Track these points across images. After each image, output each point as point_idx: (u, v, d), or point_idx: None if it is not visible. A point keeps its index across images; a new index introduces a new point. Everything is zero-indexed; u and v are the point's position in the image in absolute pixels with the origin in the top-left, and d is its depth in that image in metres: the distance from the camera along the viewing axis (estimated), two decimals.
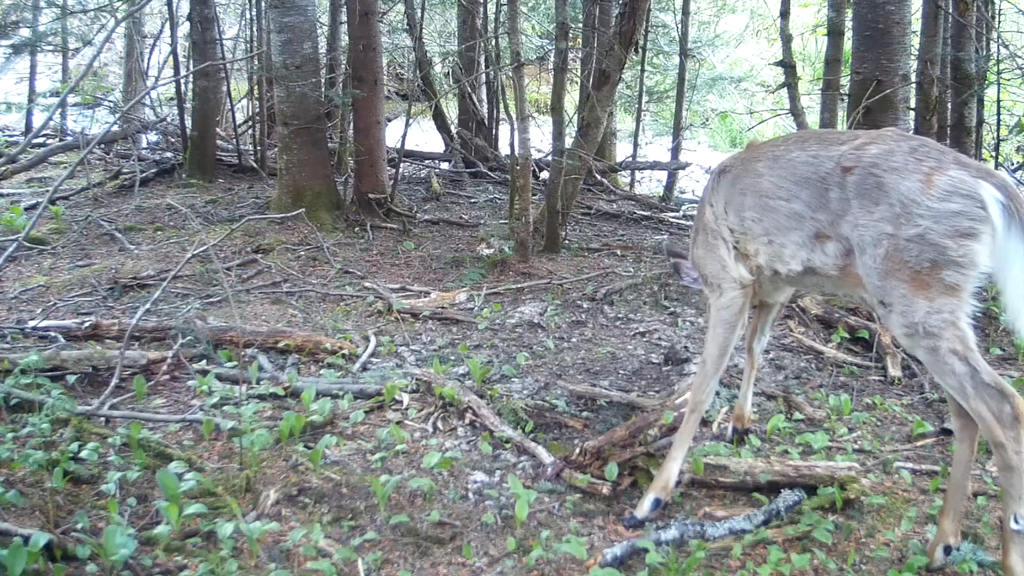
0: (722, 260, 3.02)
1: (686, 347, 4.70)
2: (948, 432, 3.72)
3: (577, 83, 8.40)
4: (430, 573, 2.69)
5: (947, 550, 2.68)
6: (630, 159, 10.03)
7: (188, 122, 9.23)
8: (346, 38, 8.37)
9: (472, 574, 2.69)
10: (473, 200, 8.85)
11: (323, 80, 7.98)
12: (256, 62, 9.22)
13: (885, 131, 2.76)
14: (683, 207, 8.95)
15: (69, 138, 9.83)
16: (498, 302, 5.53)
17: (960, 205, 2.32)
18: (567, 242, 6.95)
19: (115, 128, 9.48)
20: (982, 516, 3.01)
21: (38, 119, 10.28)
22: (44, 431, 3.20)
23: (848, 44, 6.23)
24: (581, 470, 3.20)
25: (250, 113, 10.31)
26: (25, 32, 9.30)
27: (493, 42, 8.68)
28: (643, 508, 2.96)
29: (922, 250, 2.35)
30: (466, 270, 6.24)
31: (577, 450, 3.26)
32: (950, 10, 6.12)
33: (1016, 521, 2.36)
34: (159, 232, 6.79)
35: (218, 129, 9.42)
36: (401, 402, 3.87)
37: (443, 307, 5.38)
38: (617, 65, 6.22)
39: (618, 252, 6.96)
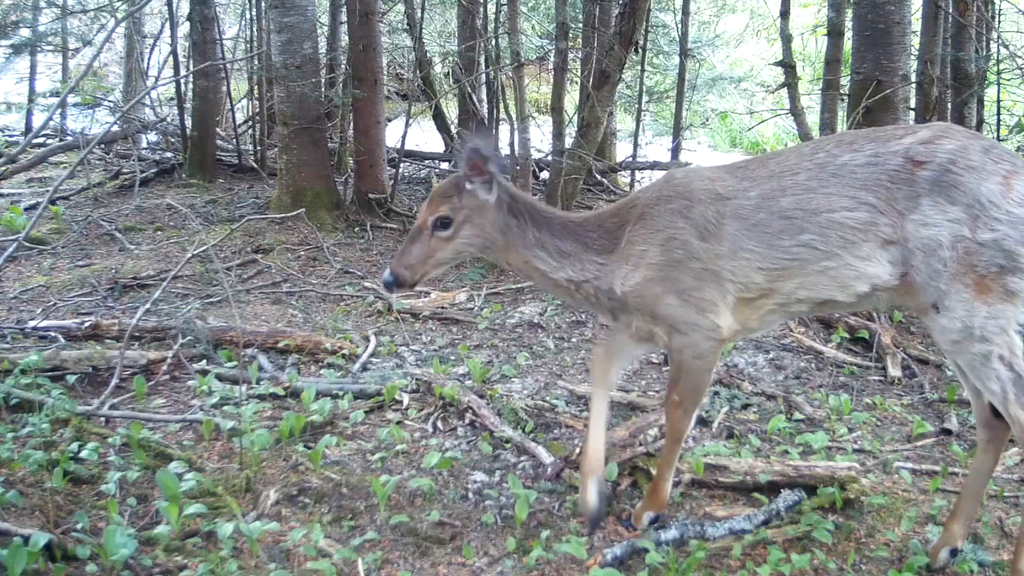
0: (707, 305, 2.60)
1: None
2: (948, 432, 3.73)
3: (577, 83, 8.39)
4: (430, 573, 2.69)
5: (953, 552, 2.68)
6: (630, 159, 10.02)
7: (188, 122, 9.22)
8: (346, 38, 8.37)
9: (472, 574, 2.69)
10: None
11: (323, 80, 7.97)
12: (256, 62, 9.20)
13: (948, 125, 2.61)
14: None
15: (69, 138, 9.81)
16: (498, 302, 5.52)
17: None
18: None
19: (115, 128, 9.47)
20: (982, 516, 3.01)
21: (38, 119, 10.28)
22: (44, 431, 3.21)
23: (848, 44, 6.23)
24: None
25: (250, 113, 10.30)
26: (25, 32, 9.29)
27: (493, 42, 8.68)
28: (642, 523, 2.92)
29: (993, 255, 2.31)
30: (466, 270, 6.23)
31: (577, 450, 3.26)
32: (950, 10, 6.11)
33: None
34: (159, 232, 6.79)
35: (218, 129, 9.41)
36: (401, 402, 3.87)
37: (443, 307, 5.38)
38: (617, 65, 6.21)
39: None
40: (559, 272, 2.79)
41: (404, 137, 7.92)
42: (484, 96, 10.48)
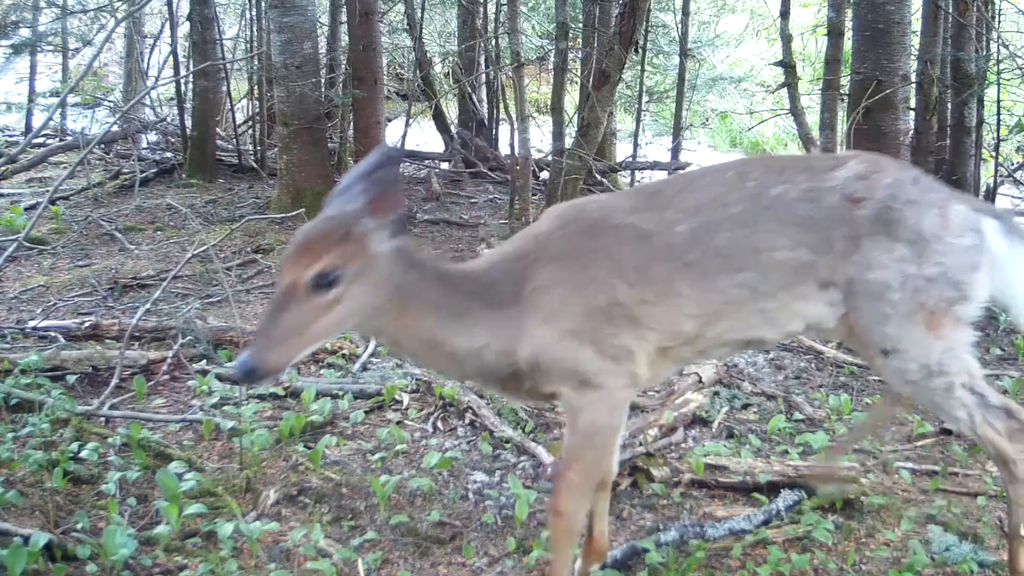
0: (620, 352, 2.23)
1: None
2: (948, 432, 3.72)
3: (577, 83, 8.39)
4: (430, 573, 2.69)
5: None
6: (630, 159, 10.02)
7: (188, 122, 9.22)
8: (346, 38, 8.37)
9: (472, 574, 2.70)
10: (473, 200, 8.85)
11: (323, 80, 7.98)
12: (256, 62, 9.21)
13: (875, 156, 2.44)
14: None
15: (69, 138, 9.81)
16: None
17: (971, 239, 2.25)
18: None
19: (115, 128, 9.46)
20: (982, 516, 3.01)
21: (38, 119, 10.26)
22: (44, 431, 3.21)
23: (848, 44, 6.22)
24: None
25: (250, 113, 10.30)
26: (25, 32, 9.29)
27: (493, 42, 8.68)
28: None
29: (942, 289, 2.22)
30: None
31: None
32: (950, 10, 6.11)
33: None
34: (159, 232, 6.79)
35: (218, 129, 9.41)
36: (401, 402, 3.87)
37: None
38: (617, 65, 6.21)
39: None
40: (458, 338, 2.24)
41: (404, 137, 7.92)
42: (484, 96, 10.49)
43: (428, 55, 10.39)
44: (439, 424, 3.70)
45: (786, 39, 6.88)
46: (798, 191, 2.26)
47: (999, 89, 6.47)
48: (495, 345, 2.24)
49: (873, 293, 2.23)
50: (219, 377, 3.98)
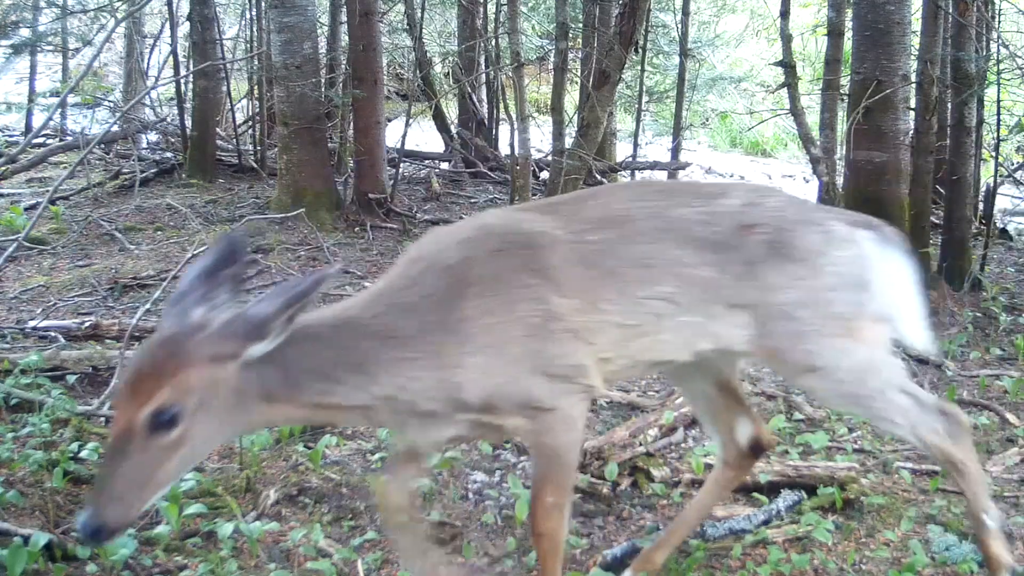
0: (570, 370, 2.13)
1: None
2: None
3: (577, 83, 8.40)
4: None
5: None
6: (630, 159, 10.02)
7: (188, 122, 9.22)
8: (346, 38, 8.37)
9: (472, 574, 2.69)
10: (473, 200, 8.85)
11: (323, 80, 7.98)
12: (256, 62, 9.22)
13: (756, 185, 2.61)
14: None
15: (69, 138, 9.81)
16: None
17: (853, 250, 2.29)
18: None
19: (115, 128, 9.46)
20: None
21: (38, 119, 10.26)
22: (44, 431, 3.20)
23: (848, 44, 6.23)
24: (581, 470, 3.19)
25: (250, 113, 10.31)
26: (25, 32, 9.30)
27: (493, 42, 8.69)
28: None
29: (847, 294, 2.26)
30: None
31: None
32: (950, 10, 6.11)
33: (987, 515, 2.37)
34: (159, 232, 6.79)
35: (218, 129, 9.42)
36: None
37: None
38: (617, 65, 6.22)
39: None
40: (358, 392, 2.04)
41: (404, 137, 7.92)
42: (484, 96, 10.49)
43: (428, 55, 10.39)
44: None
45: (786, 39, 6.88)
46: (695, 214, 2.27)
47: (999, 89, 6.46)
48: (414, 384, 2.06)
49: (783, 315, 2.24)
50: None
